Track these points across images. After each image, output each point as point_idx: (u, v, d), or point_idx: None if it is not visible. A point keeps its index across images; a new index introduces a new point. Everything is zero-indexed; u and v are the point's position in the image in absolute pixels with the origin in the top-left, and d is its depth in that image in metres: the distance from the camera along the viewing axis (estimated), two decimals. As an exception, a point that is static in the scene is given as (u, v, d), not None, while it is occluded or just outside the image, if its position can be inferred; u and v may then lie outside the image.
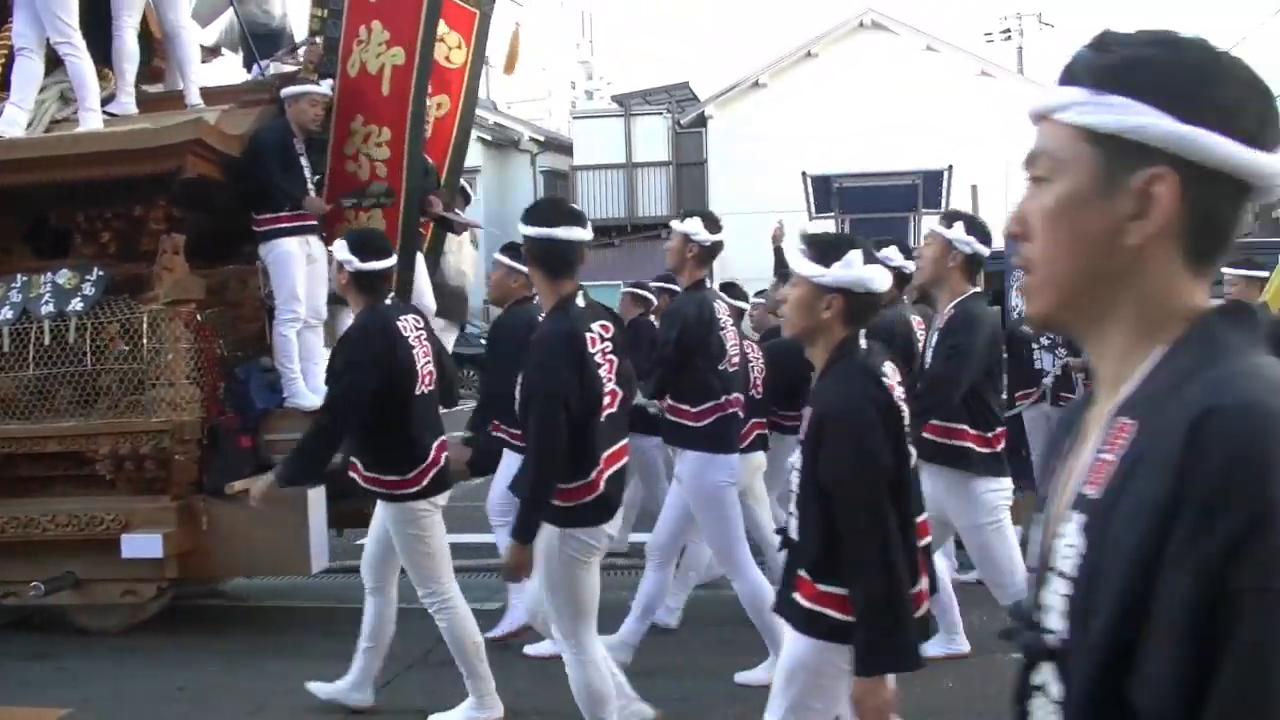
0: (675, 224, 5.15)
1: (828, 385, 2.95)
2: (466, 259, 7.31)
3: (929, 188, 9.61)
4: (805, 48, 25.54)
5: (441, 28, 6.70)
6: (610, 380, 3.85)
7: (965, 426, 4.52)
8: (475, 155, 31.53)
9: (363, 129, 6.26)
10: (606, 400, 3.83)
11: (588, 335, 3.76)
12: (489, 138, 31.51)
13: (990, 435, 4.58)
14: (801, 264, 2.94)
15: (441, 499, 4.64)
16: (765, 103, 25.50)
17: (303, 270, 6.03)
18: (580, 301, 3.87)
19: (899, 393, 2.96)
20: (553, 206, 4.18)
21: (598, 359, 3.79)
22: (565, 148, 31.16)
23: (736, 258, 25.92)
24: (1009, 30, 33.66)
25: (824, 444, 2.85)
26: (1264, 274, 6.82)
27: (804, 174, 10.07)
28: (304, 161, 6.23)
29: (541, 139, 32.84)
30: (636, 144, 27.28)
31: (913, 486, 3.04)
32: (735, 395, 5.13)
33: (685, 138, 27.07)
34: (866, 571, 2.75)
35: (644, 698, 4.50)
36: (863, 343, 2.97)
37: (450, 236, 7.15)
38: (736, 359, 5.19)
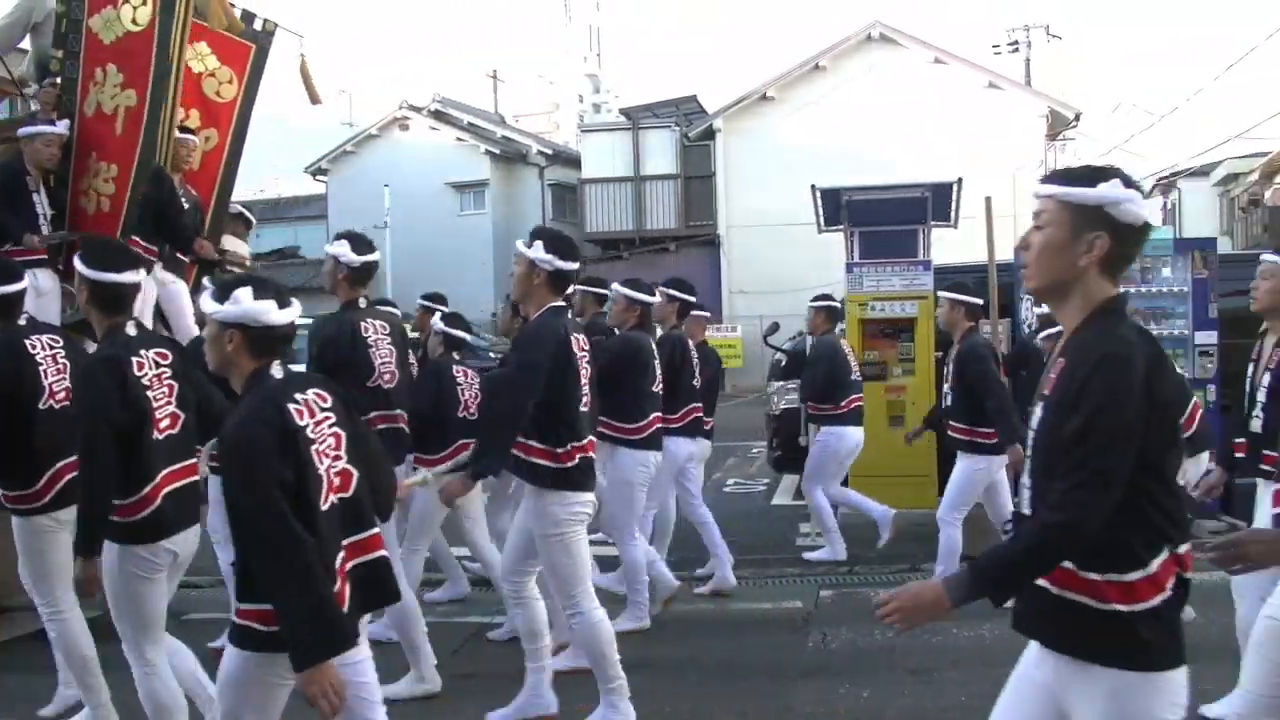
0: (327, 247, 5.36)
1: (233, 416, 3.18)
2: None
3: (938, 200, 9.57)
4: (813, 61, 25.58)
5: (212, 63, 7.05)
6: (169, 403, 4.11)
7: (534, 442, 4.55)
8: (483, 168, 31.62)
9: (94, 165, 6.49)
10: (166, 422, 4.08)
11: (134, 360, 4.02)
12: (497, 151, 31.60)
13: (560, 451, 4.52)
14: (204, 303, 3.23)
15: (65, 514, 4.59)
16: (773, 116, 25.53)
17: (30, 304, 6.05)
18: (131, 330, 4.14)
19: (311, 415, 3.13)
20: (115, 251, 4.42)
21: (146, 382, 4.03)
22: (573, 161, 31.23)
23: (743, 270, 26.12)
24: (1016, 42, 33.69)
25: (224, 471, 3.16)
26: (971, 300, 6.71)
27: (813, 187, 10.04)
28: (38, 198, 6.38)
29: (549, 152, 32.92)
30: (644, 157, 27.34)
31: (362, 502, 3.22)
32: (393, 411, 5.31)
33: (693, 151, 27.12)
34: (281, 583, 2.96)
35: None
36: (277, 372, 3.19)
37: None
38: (388, 376, 5.30)
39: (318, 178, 33.44)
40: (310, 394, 3.18)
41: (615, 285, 6.38)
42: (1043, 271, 2.49)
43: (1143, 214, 2.41)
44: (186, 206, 6.75)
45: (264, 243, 32.12)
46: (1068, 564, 2.36)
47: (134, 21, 6.21)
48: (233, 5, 7.15)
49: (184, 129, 6.85)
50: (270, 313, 3.13)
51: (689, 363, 6.79)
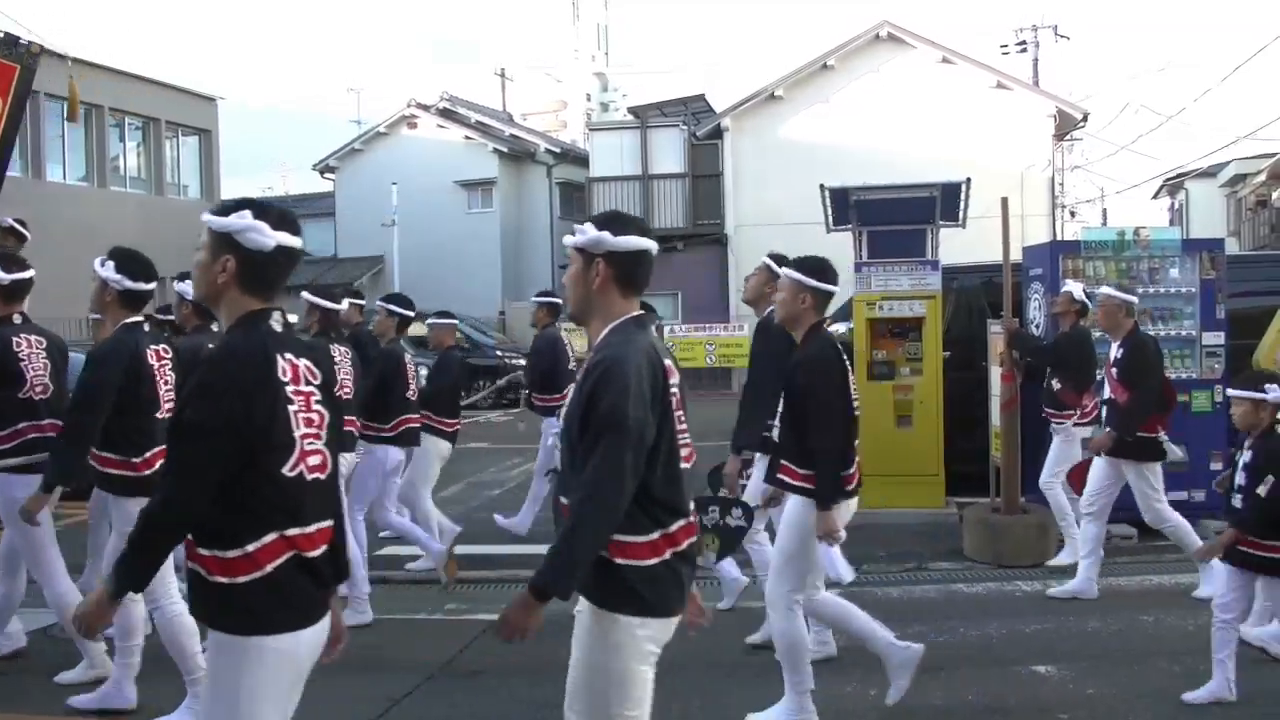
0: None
1: None
2: None
3: (947, 200, 9.57)
4: (821, 60, 25.58)
5: None
6: None
7: (109, 454, 4.87)
8: (491, 167, 31.63)
9: None
10: None
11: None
12: (505, 149, 31.63)
13: (137, 460, 4.85)
14: None
15: None
16: (781, 115, 25.55)
17: None
18: None
19: None
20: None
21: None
22: (581, 159, 31.25)
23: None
24: (1024, 42, 33.72)
25: None
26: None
27: (822, 187, 10.06)
28: None
29: (557, 151, 32.96)
30: (652, 156, 27.34)
31: None
32: (43, 421, 5.43)
33: (701, 150, 27.12)
34: None
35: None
36: None
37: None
38: (40, 388, 5.49)
39: (326, 175, 33.52)
40: None
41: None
42: (196, 288, 2.90)
43: (266, 242, 2.76)
44: None
45: (272, 240, 31.88)
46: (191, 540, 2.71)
47: None
48: None
49: None
50: None
51: (403, 376, 7.15)
